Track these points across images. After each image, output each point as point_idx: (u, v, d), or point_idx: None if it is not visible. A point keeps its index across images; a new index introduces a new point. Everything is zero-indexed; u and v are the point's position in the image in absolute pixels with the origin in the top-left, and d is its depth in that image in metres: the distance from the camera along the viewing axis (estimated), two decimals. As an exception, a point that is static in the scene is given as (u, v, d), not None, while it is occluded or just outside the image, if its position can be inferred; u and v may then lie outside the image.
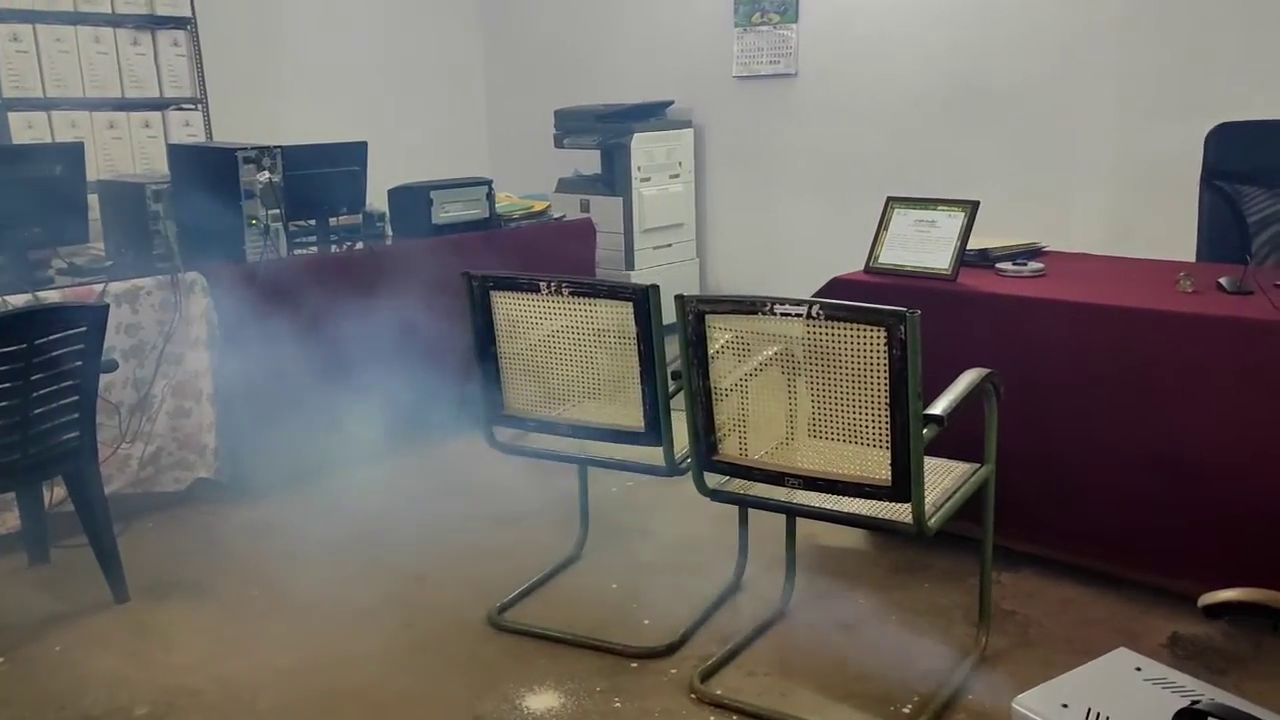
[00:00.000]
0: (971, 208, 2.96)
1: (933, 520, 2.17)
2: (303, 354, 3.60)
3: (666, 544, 3.16)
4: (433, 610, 2.79)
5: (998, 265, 3.05)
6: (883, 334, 2.04)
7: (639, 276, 5.42)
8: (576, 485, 3.09)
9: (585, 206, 5.44)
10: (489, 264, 4.09)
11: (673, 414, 2.50)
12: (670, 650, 2.55)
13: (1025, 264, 3.03)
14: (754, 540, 2.89)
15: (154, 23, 4.68)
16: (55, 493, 3.06)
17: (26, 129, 4.35)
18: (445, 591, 2.89)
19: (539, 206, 4.58)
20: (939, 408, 2.16)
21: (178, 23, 4.77)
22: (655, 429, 2.50)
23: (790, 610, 2.73)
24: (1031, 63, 4.56)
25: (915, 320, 1.99)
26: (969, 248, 2.98)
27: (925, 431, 2.10)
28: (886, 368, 2.06)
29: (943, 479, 2.36)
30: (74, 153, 3.41)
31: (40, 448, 2.66)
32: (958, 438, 2.33)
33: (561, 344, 2.57)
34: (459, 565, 3.05)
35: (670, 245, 5.59)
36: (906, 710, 2.29)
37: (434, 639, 2.65)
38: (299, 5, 5.63)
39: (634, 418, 2.52)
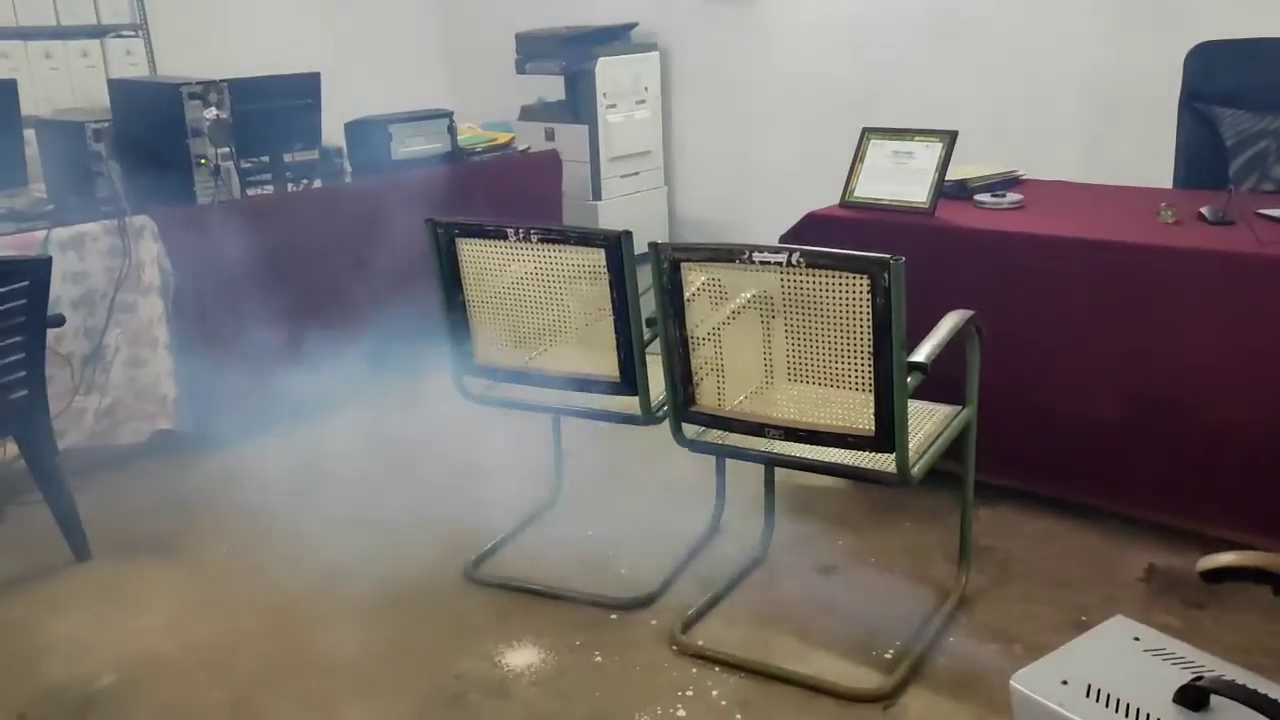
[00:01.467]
0: (949, 138, 2.87)
1: (915, 469, 2.12)
2: (261, 298, 3.48)
3: (642, 489, 3.12)
4: (407, 564, 2.73)
5: (976, 197, 2.98)
6: (866, 282, 1.97)
7: (606, 207, 5.30)
8: (550, 431, 3.03)
9: (550, 135, 5.29)
10: (452, 200, 4.00)
11: (648, 361, 2.44)
12: (650, 600, 2.52)
13: (1004, 195, 2.96)
14: (732, 481, 2.85)
15: (87, -54, 4.42)
16: (8, 449, 2.95)
17: (-44, 62, 4.12)
18: (419, 544, 2.83)
19: (503, 139, 4.43)
20: (922, 354, 2.10)
21: (113, -55, 4.51)
22: (631, 378, 2.43)
23: (769, 555, 2.70)
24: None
25: (900, 268, 1.92)
26: (946, 178, 2.90)
27: (909, 380, 2.04)
28: (870, 316, 1.99)
29: (924, 423, 2.32)
30: (6, 91, 3.22)
31: (-13, 409, 2.55)
32: (937, 378, 2.27)
33: (531, 292, 2.48)
34: (432, 517, 2.98)
35: (638, 174, 5.46)
36: (888, 656, 2.28)
37: (410, 595, 2.60)
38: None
39: (609, 367, 2.44)
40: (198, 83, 3.34)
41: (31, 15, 4.28)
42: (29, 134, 3.47)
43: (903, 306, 1.95)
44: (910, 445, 2.11)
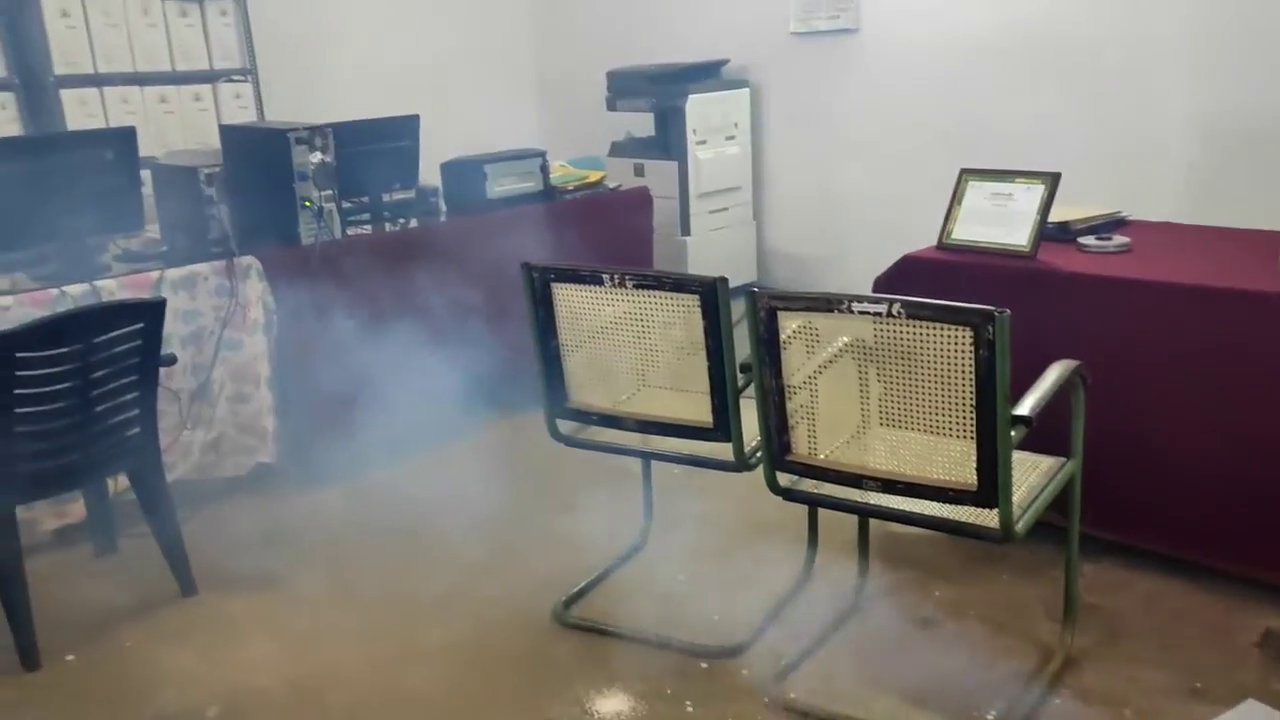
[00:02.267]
0: (1052, 180, 2.81)
1: (1019, 525, 2.07)
2: (359, 335, 3.55)
3: (732, 531, 3.09)
4: (498, 604, 2.75)
5: (1079, 240, 2.90)
6: (968, 334, 1.93)
7: (694, 242, 5.31)
8: (639, 467, 3.03)
9: (639, 171, 5.32)
10: (544, 238, 4.05)
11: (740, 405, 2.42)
12: (741, 649, 2.49)
13: (1109, 238, 2.88)
14: (824, 525, 2.81)
15: (201, -7, 4.61)
16: (119, 480, 3.05)
17: (79, 106, 4.32)
18: (510, 583, 2.85)
19: (594, 177, 4.47)
20: (1026, 407, 2.04)
21: (224, -8, 4.69)
22: (724, 424, 2.41)
23: (864, 605, 2.65)
24: (1106, 10, 4.32)
25: (1005, 321, 1.88)
26: (1048, 220, 2.83)
27: (1013, 433, 1.99)
28: (972, 368, 1.95)
29: (1028, 476, 2.26)
30: (126, 138, 3.37)
31: (102, 445, 2.65)
32: (1040, 428, 2.21)
33: (625, 336, 2.49)
34: (523, 555, 3.01)
35: (726, 209, 5.45)
36: (990, 717, 2.21)
37: (501, 635, 2.62)
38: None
39: (701, 412, 2.43)
40: (304, 128, 3.44)
41: (149, 62, 4.47)
42: (145, 174, 3.61)
43: (1007, 359, 1.91)
44: (1014, 499, 2.05)
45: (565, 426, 2.68)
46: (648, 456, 2.77)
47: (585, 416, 2.63)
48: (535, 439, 2.79)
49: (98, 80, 4.34)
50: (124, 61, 4.43)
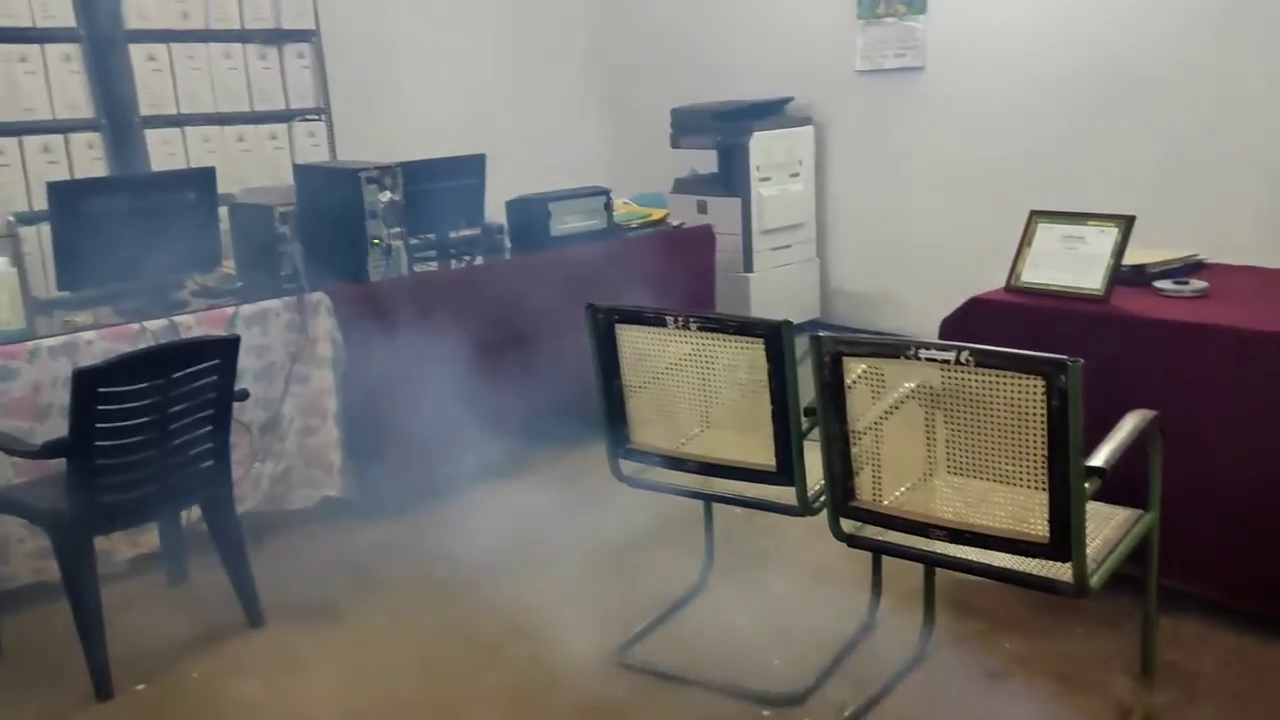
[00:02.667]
0: (1126, 223, 2.76)
1: (1094, 579, 2.02)
2: (425, 371, 3.60)
3: (794, 574, 3.06)
4: (558, 644, 2.74)
5: (1155, 284, 2.84)
6: (1040, 383, 1.89)
7: (757, 279, 5.30)
8: (700, 507, 3.01)
9: (702, 207, 5.34)
10: (608, 275, 4.07)
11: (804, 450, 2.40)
12: (803, 698, 2.46)
13: (1186, 282, 2.81)
14: (888, 571, 2.77)
15: (280, 36, 4.74)
16: (192, 511, 3.12)
17: (162, 145, 4.45)
18: (570, 623, 2.84)
19: (657, 215, 4.50)
20: (1100, 458, 2.00)
21: (302, 35, 4.81)
22: (787, 468, 2.40)
23: (930, 655, 2.60)
24: (1181, 50, 4.25)
25: (1078, 371, 1.84)
26: (1122, 262, 2.78)
27: (1086, 485, 1.95)
28: (1044, 418, 1.91)
29: (1103, 528, 2.20)
30: (206, 178, 3.47)
31: (178, 478, 2.71)
32: (1115, 476, 2.16)
33: (688, 378, 2.49)
34: (582, 594, 3.00)
35: (789, 246, 5.44)
36: (1062, 777, 2.15)
37: (561, 675, 2.61)
38: (415, 15, 5.64)
39: (764, 456, 2.42)
40: (375, 168, 3.52)
41: (229, 103, 4.60)
42: (222, 211, 3.72)
43: (1080, 410, 1.87)
44: (1088, 553, 2.00)
45: (627, 467, 2.68)
46: (709, 499, 2.76)
47: (647, 457, 2.63)
48: (597, 476, 2.79)
49: (180, 120, 4.48)
50: (206, 103, 4.56)
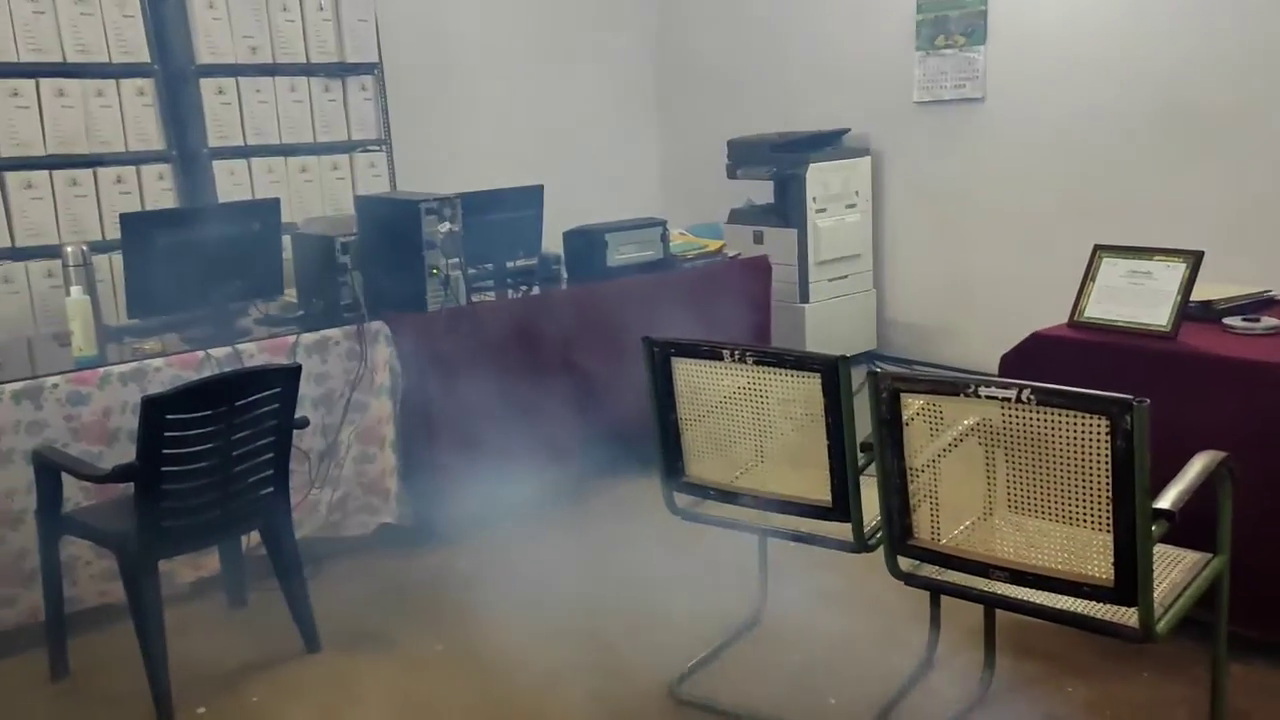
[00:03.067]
0: (1194, 259, 2.71)
1: (1161, 625, 1.97)
2: (480, 399, 3.63)
3: (850, 611, 3.02)
4: (613, 676, 2.74)
5: (1224, 321, 2.78)
6: (1104, 423, 1.86)
7: (813, 310, 5.27)
8: (753, 540, 2.99)
9: (758, 238, 5.34)
10: (663, 306, 4.09)
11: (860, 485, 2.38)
12: (860, 737, 2.42)
13: (1257, 319, 2.75)
14: (946, 609, 2.72)
15: (344, 70, 4.84)
16: (252, 535, 3.17)
17: (228, 176, 4.57)
18: (624, 656, 2.84)
19: (713, 246, 4.50)
20: (1167, 500, 1.95)
21: (365, 68, 4.92)
22: (843, 504, 2.38)
23: (991, 698, 2.55)
24: (1245, 84, 4.17)
25: (1144, 412, 1.81)
26: (1190, 298, 2.73)
27: (1154, 528, 1.90)
28: (1108, 458, 1.88)
29: (1169, 571, 2.15)
30: (270, 210, 3.55)
31: (238, 503, 2.76)
32: (1182, 519, 2.11)
33: (744, 411, 2.48)
34: (637, 626, 2.99)
35: (846, 277, 5.41)
36: (1126, 827, 2.09)
37: (616, 709, 2.61)
38: (475, 48, 5.73)
39: (820, 491, 2.40)
40: (434, 199, 3.57)
41: (293, 134, 4.71)
42: (285, 240, 3.79)
43: (1146, 451, 1.83)
44: (1155, 597, 1.96)
45: (682, 499, 2.67)
46: (764, 534, 2.74)
47: (702, 491, 2.62)
48: (651, 507, 2.79)
49: (246, 152, 4.59)
50: (271, 134, 4.67)
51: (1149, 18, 4.42)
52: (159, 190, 4.36)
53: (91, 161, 4.18)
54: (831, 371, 2.29)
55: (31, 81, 4.02)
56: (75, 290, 3.14)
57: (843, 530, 2.42)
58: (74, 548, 2.95)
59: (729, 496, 2.57)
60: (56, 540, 2.80)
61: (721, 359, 2.45)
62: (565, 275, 4.21)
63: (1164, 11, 4.38)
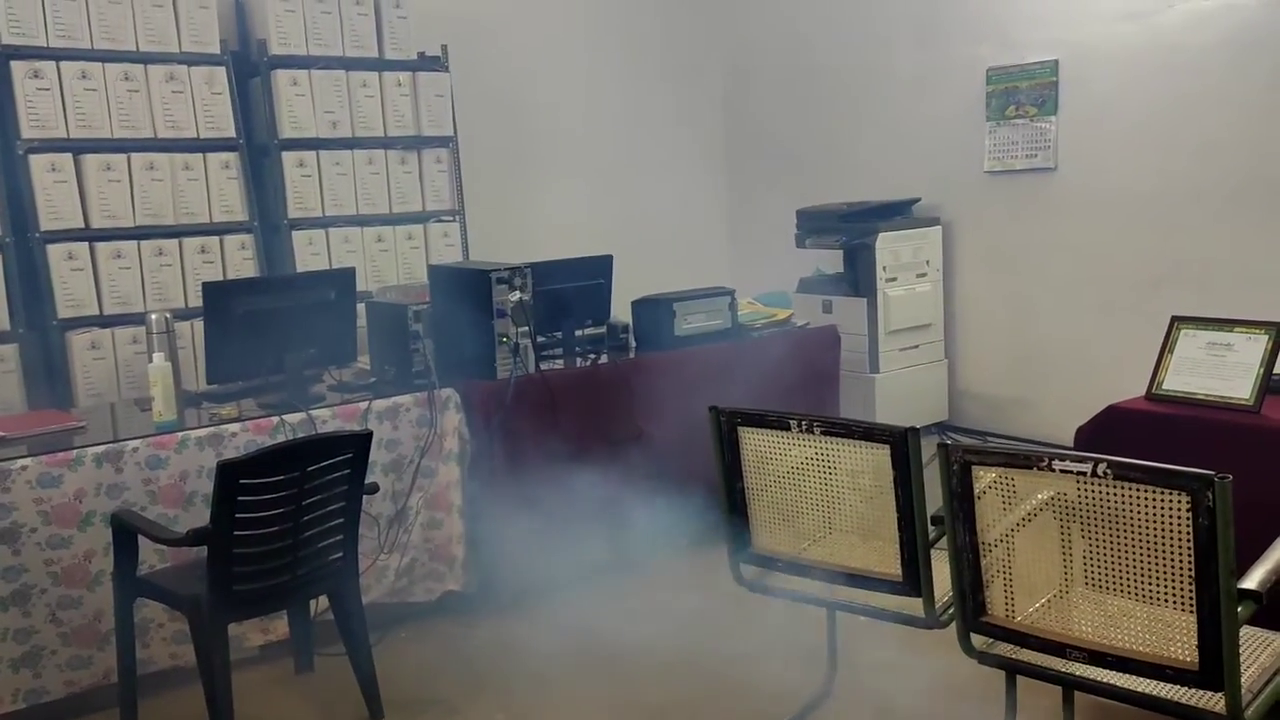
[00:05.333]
0: (1276, 331, 2.63)
1: (1250, 711, 1.88)
2: (547, 467, 3.64)
3: (920, 688, 2.93)
4: (675, 752, 2.69)
5: (1310, 394, 2.69)
6: (1185, 499, 1.80)
7: (883, 380, 5.22)
8: (821, 613, 2.93)
9: (827, 307, 5.32)
10: (731, 375, 4.08)
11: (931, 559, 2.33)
12: (932, 825, 2.33)
13: (1344, 393, 2.66)
14: (1023, 688, 2.61)
15: (420, 143, 4.99)
16: (320, 600, 3.20)
17: (307, 245, 4.70)
18: (688, 730, 2.79)
19: (781, 315, 4.50)
20: (1254, 581, 1.88)
21: (441, 141, 5.06)
22: (914, 578, 2.33)
23: (1068, 784, 2.44)
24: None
25: (1226, 488, 1.75)
26: (1273, 371, 2.65)
27: (1240, 609, 1.83)
28: (1190, 536, 1.81)
29: (1258, 655, 2.06)
30: (346, 279, 3.64)
31: (308, 569, 2.78)
32: (1270, 600, 2.02)
33: (812, 483, 2.45)
34: (705, 698, 2.94)
35: (917, 347, 5.36)
36: None
37: (676, 786, 2.55)
38: (548, 119, 5.87)
39: (890, 564, 2.36)
40: (505, 268, 3.63)
41: (370, 205, 4.85)
42: (360, 308, 3.88)
43: (1230, 529, 1.77)
44: (1242, 681, 1.87)
45: (749, 571, 2.64)
46: (832, 607, 2.68)
47: (769, 562, 2.59)
48: (720, 576, 2.76)
49: (324, 223, 4.73)
50: (348, 205, 4.81)
51: (1218, 86, 4.37)
52: (240, 259, 4.50)
53: (177, 232, 4.34)
54: (901, 442, 2.26)
55: (124, 156, 4.21)
56: (157, 357, 3.24)
57: (913, 605, 2.37)
58: (147, 610, 3.00)
59: (797, 568, 2.54)
60: (131, 602, 2.85)
61: (789, 429, 2.44)
62: (633, 344, 4.23)
63: (1234, 80, 4.33)
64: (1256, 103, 4.27)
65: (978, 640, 2.18)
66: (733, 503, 2.58)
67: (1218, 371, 2.68)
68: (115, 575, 2.84)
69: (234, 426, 3.20)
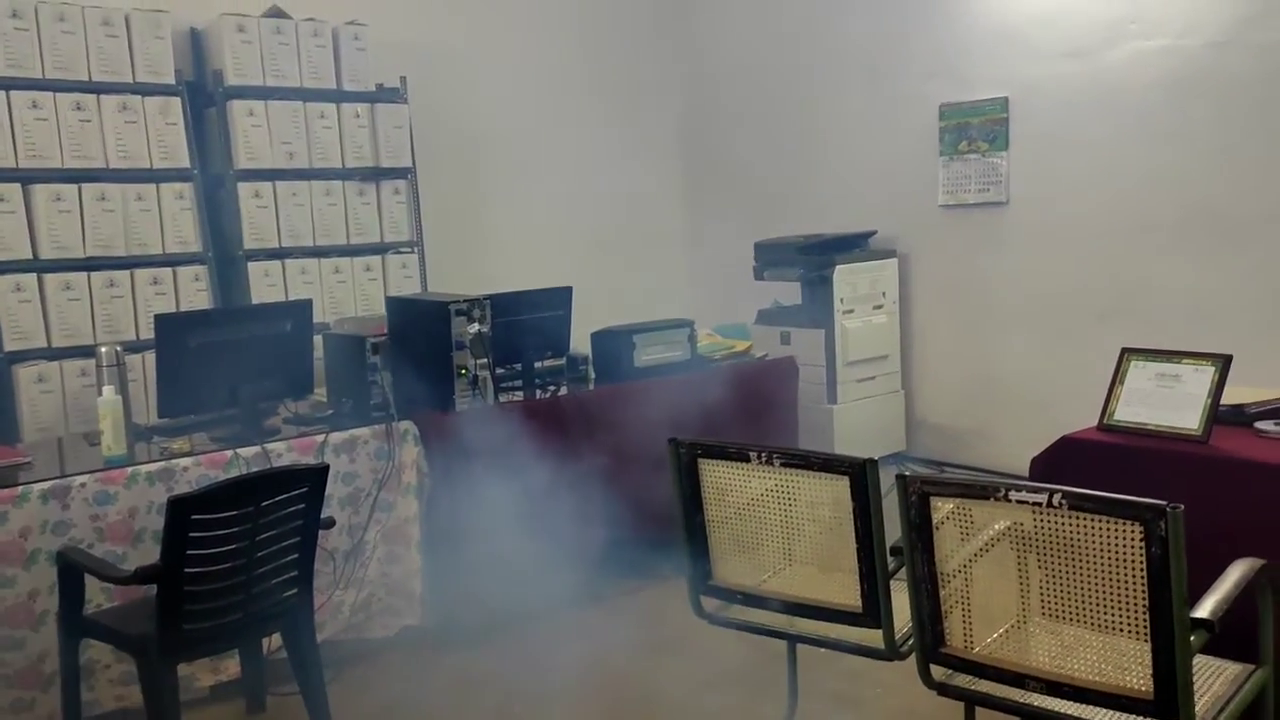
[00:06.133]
0: (1223, 363, 2.68)
1: (1204, 740, 1.89)
2: (507, 500, 3.61)
3: (882, 718, 2.93)
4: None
5: (1257, 425, 2.74)
6: (1138, 529, 1.82)
7: (841, 411, 5.25)
8: (782, 645, 2.92)
9: (786, 338, 5.36)
10: (690, 406, 4.08)
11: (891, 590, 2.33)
12: None
13: (1290, 423, 2.71)
14: (982, 718, 2.63)
15: (378, 174, 4.97)
16: (274, 639, 3.14)
17: (263, 277, 4.66)
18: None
19: (740, 346, 4.52)
20: (1206, 610, 1.90)
21: (399, 173, 5.04)
22: (873, 609, 2.33)
23: (1028, 816, 2.44)
24: (1266, 185, 4.19)
25: (1178, 518, 1.77)
26: (1220, 401, 2.70)
27: (1193, 638, 1.85)
28: (1143, 565, 1.83)
29: (1211, 683, 2.08)
30: (303, 310, 3.60)
31: (260, 606, 2.73)
32: (1223, 628, 2.05)
33: (772, 515, 2.45)
34: (662, 735, 2.92)
35: (874, 378, 5.40)
36: None
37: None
38: (506, 151, 5.87)
39: (850, 596, 2.36)
40: (464, 300, 3.62)
41: (327, 237, 4.82)
42: (316, 339, 3.84)
43: (1182, 559, 1.79)
44: (1196, 710, 1.89)
45: (709, 603, 2.63)
46: (791, 639, 2.68)
47: (729, 594, 2.58)
48: (680, 608, 2.74)
49: (281, 254, 4.69)
50: (306, 237, 4.77)
51: (1160, 123, 4.48)
52: (194, 291, 4.45)
53: (129, 263, 4.28)
54: (860, 474, 2.27)
55: (74, 187, 4.15)
56: (107, 390, 3.18)
57: (873, 637, 2.37)
58: (93, 650, 2.93)
59: (756, 600, 2.53)
60: (77, 643, 2.78)
61: (749, 460, 2.44)
62: (593, 375, 4.23)
63: (1175, 118, 4.44)
64: (1197, 139, 4.39)
65: (937, 671, 2.18)
66: (692, 535, 2.57)
67: (1167, 402, 2.72)
68: (60, 615, 2.77)
69: (186, 461, 3.14)
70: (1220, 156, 4.33)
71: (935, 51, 5.26)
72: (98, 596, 2.91)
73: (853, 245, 5.41)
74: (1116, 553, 1.86)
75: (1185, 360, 2.74)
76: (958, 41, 5.16)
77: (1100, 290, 4.74)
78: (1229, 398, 2.75)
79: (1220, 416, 2.71)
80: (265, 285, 4.64)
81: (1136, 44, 4.53)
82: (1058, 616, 1.99)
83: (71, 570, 2.74)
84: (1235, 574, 2.04)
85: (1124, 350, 2.88)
